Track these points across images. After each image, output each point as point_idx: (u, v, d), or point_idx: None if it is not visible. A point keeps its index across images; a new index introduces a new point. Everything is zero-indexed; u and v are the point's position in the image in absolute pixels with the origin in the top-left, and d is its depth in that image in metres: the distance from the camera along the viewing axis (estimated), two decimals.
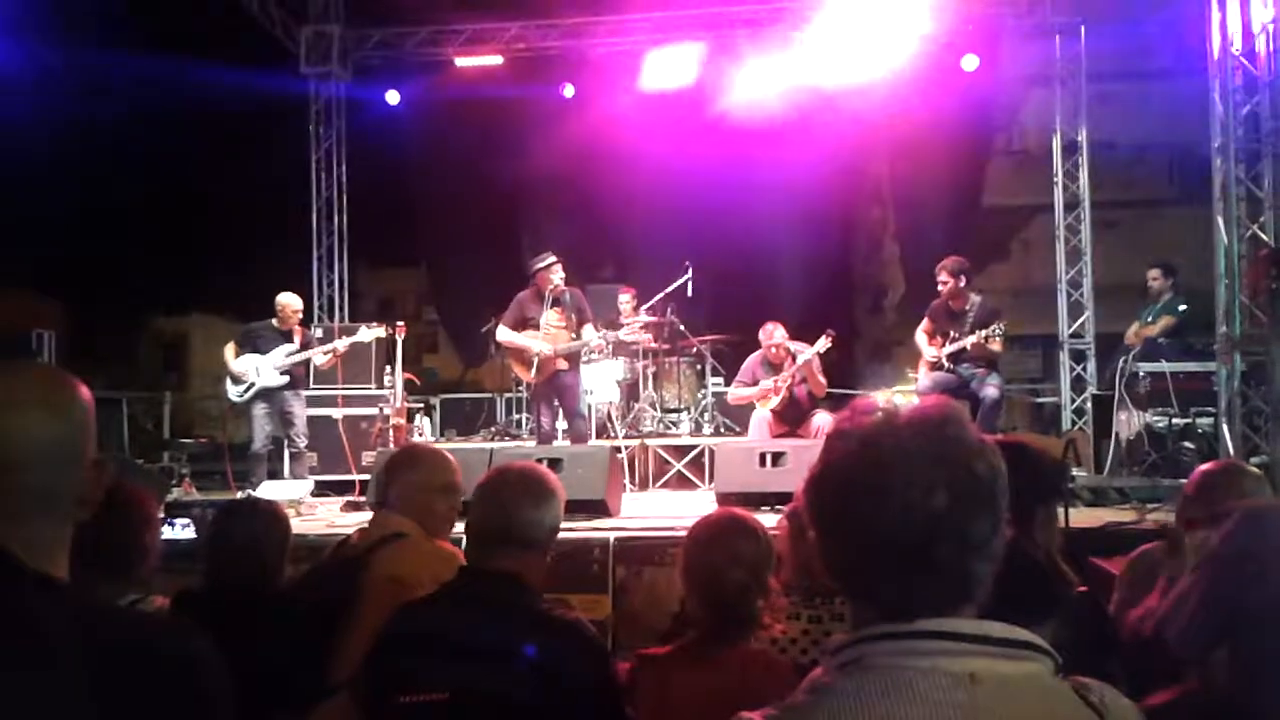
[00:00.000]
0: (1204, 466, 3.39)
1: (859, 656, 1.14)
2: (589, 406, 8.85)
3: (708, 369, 10.33)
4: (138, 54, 10.04)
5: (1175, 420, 7.47)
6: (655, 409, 10.07)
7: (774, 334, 8.04)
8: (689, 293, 9.83)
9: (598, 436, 8.96)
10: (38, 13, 9.35)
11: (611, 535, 5.67)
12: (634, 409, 9.85)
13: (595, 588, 5.43)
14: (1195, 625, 2.74)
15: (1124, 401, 7.92)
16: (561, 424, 8.32)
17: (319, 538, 5.84)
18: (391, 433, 8.38)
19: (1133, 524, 5.74)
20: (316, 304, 11.86)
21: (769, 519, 3.31)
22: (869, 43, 10.22)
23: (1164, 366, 7.66)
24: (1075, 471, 7.35)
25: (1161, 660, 2.87)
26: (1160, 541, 3.40)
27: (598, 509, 6.42)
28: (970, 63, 10.75)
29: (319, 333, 8.97)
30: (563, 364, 7.80)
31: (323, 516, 7.25)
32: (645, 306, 9.94)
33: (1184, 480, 3.48)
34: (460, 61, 11.56)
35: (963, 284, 7.80)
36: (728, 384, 9.24)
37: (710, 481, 8.02)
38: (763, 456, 6.84)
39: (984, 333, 7.50)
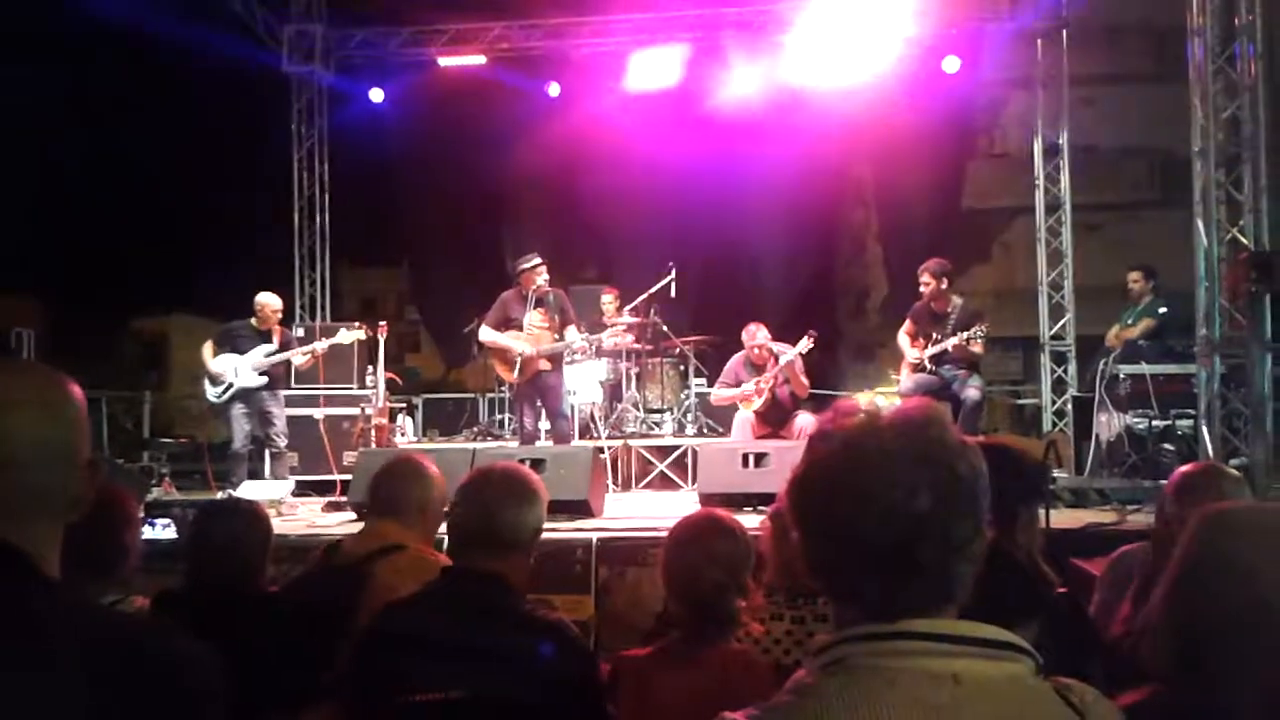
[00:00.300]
0: (1184, 468, 3.39)
1: (842, 657, 1.14)
2: (572, 407, 8.83)
3: (691, 370, 10.32)
4: (119, 52, 9.99)
5: (1155, 422, 7.53)
6: (638, 409, 10.07)
7: (756, 335, 8.06)
8: (672, 293, 9.81)
9: (580, 437, 8.95)
10: (17, 18, 9.29)
11: (594, 536, 5.66)
12: (617, 409, 9.85)
13: (578, 588, 5.42)
14: (1165, 650, 2.75)
15: (1104, 403, 7.97)
16: (544, 424, 8.30)
17: (300, 538, 5.84)
18: (373, 433, 8.36)
19: (1113, 525, 5.78)
20: (298, 303, 11.82)
21: (751, 520, 3.32)
22: (852, 45, 10.28)
23: (1144, 369, 7.70)
24: (1056, 473, 7.37)
25: (1141, 662, 2.87)
26: (1143, 542, 3.41)
27: (580, 509, 6.40)
28: (952, 65, 10.80)
29: (299, 332, 8.93)
30: (545, 364, 7.79)
31: (304, 517, 7.21)
32: (628, 307, 9.92)
33: (1164, 482, 3.49)
34: (443, 61, 11.53)
35: (945, 286, 7.84)
36: (710, 385, 9.26)
37: (693, 482, 8.02)
38: (745, 457, 6.84)
39: (966, 335, 7.54)
